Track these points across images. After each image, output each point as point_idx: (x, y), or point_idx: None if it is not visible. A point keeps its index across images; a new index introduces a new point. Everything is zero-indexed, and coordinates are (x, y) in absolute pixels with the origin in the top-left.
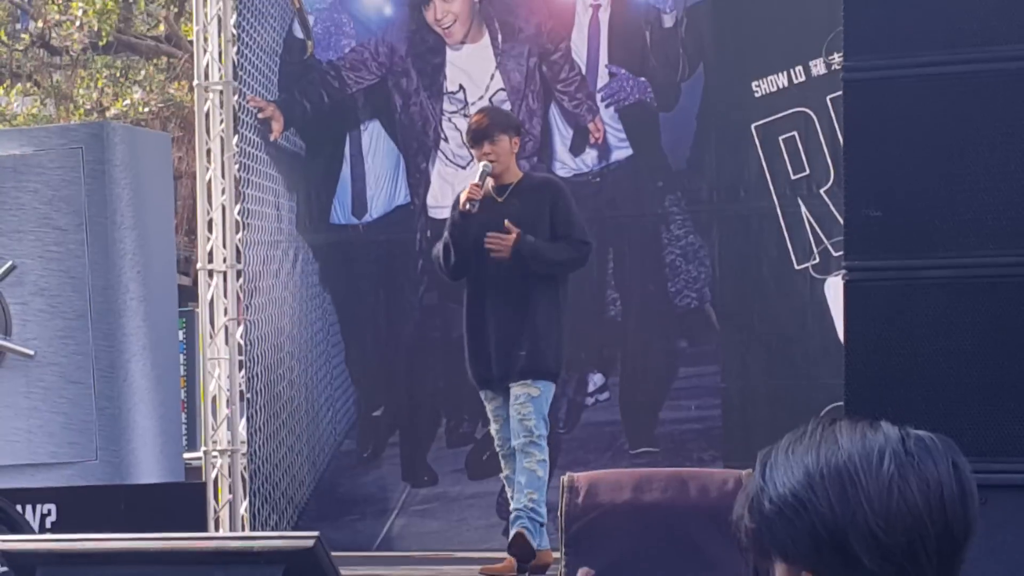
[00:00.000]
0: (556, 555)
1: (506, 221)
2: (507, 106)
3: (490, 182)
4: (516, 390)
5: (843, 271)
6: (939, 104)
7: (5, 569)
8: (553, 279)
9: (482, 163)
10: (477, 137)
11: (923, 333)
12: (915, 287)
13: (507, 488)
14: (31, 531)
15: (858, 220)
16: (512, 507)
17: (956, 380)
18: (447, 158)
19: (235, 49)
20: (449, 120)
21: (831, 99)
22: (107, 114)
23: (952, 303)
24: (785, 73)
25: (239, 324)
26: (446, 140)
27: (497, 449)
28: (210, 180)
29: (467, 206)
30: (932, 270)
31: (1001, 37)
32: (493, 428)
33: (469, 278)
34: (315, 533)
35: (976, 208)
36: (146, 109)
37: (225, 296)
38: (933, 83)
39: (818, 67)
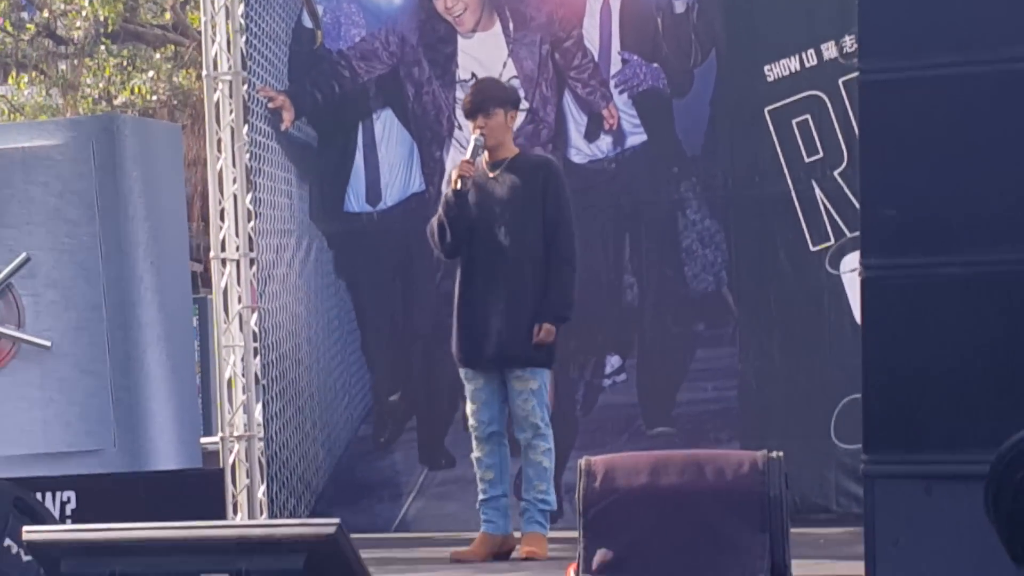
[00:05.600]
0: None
1: (536, 331)
2: (521, 93)
3: (485, 157)
4: (516, 385)
5: (858, 254)
6: (954, 104)
7: (30, 559)
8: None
9: (474, 137)
10: (471, 110)
11: (940, 329)
12: (931, 284)
13: (476, 468)
14: (53, 521)
15: (874, 218)
16: (522, 499)
17: (973, 376)
18: (461, 146)
19: (243, 39)
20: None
21: (843, 82)
22: (115, 103)
23: (968, 300)
24: (797, 57)
25: (253, 312)
26: (460, 128)
27: (471, 430)
28: (221, 170)
29: (458, 184)
30: (948, 267)
31: (1015, 38)
32: (469, 408)
33: (463, 257)
34: (336, 520)
35: (992, 206)
36: (154, 98)
37: (239, 284)
38: (948, 84)
39: (830, 50)
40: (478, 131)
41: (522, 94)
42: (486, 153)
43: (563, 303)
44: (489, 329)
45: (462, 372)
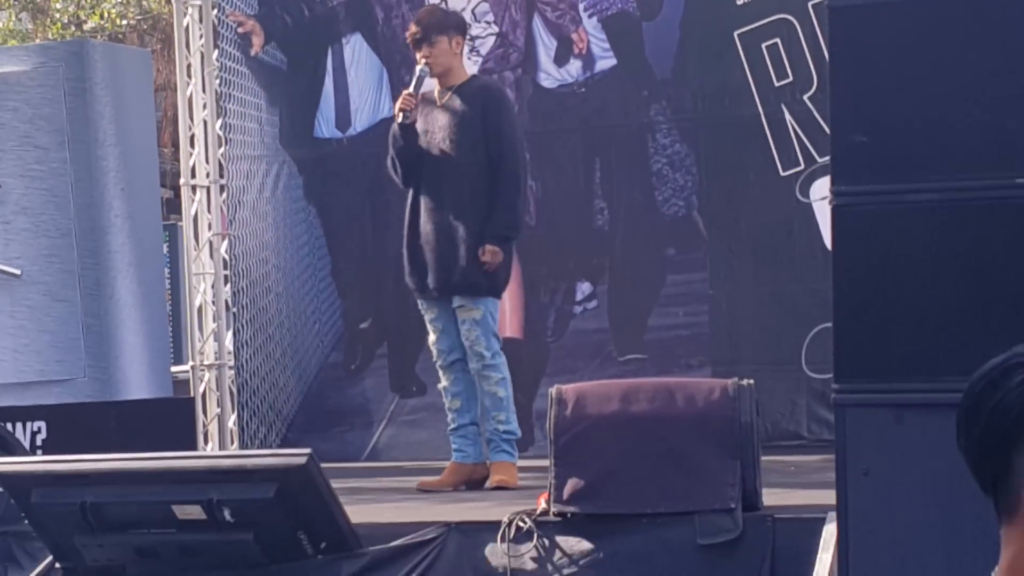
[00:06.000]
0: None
1: (480, 254)
2: (490, 17)
3: (437, 84)
4: (459, 314)
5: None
6: (924, 28)
7: (1, 491)
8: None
9: (418, 67)
10: (416, 42)
11: (910, 256)
12: (902, 211)
13: (444, 398)
14: (24, 451)
15: (845, 145)
16: (485, 430)
17: (942, 302)
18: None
19: None
20: None
21: (812, 5)
22: (84, 28)
23: (939, 226)
24: None
25: (223, 239)
26: None
27: (434, 360)
28: (191, 95)
29: (399, 117)
30: (919, 194)
31: None
32: (430, 339)
33: (413, 187)
34: (307, 450)
35: (962, 132)
36: (124, 22)
37: (209, 211)
38: (916, 8)
39: None
40: (423, 61)
41: (491, 18)
42: (437, 80)
43: (506, 223)
44: (432, 257)
45: (419, 302)
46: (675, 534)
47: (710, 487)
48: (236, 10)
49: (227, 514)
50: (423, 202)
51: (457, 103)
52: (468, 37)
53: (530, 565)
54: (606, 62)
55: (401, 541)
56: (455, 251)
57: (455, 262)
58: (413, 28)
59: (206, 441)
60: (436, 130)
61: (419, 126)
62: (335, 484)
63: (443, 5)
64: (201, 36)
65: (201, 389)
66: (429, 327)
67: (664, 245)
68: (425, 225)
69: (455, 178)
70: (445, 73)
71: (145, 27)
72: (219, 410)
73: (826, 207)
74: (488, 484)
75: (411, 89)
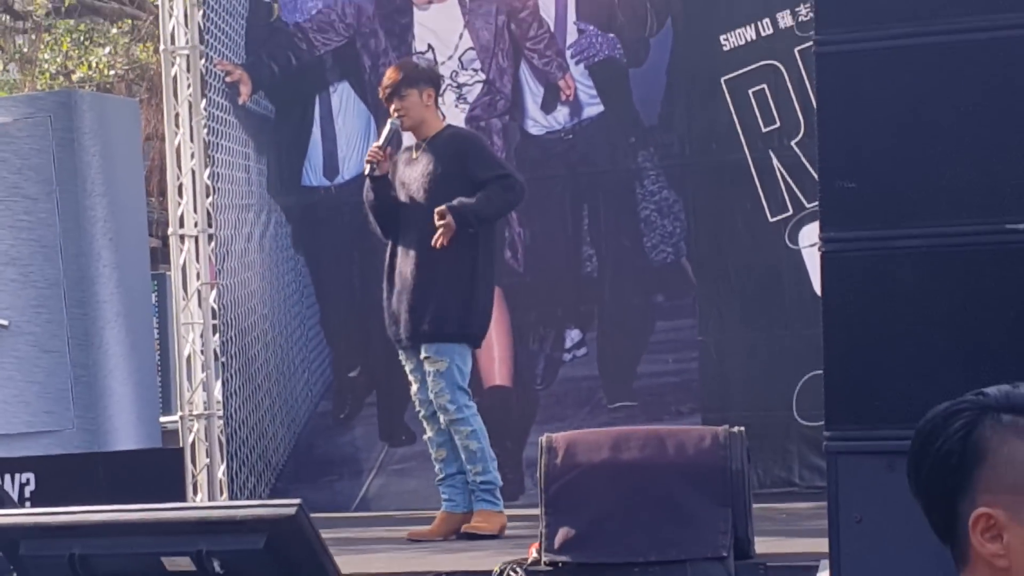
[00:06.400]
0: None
1: (436, 211)
2: (477, 64)
3: (412, 139)
4: (426, 366)
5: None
6: (911, 75)
7: None
8: (469, 234)
9: (390, 120)
10: (388, 96)
11: (900, 302)
12: (891, 257)
13: (430, 448)
14: (12, 503)
15: (833, 191)
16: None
17: (932, 349)
18: None
19: (200, 13)
20: None
21: (799, 51)
22: (72, 78)
23: (928, 273)
24: (753, 26)
25: (212, 288)
26: None
27: (417, 411)
28: (179, 145)
29: (367, 168)
30: (908, 239)
31: (971, 8)
32: (412, 389)
33: (391, 238)
34: (297, 501)
35: (950, 178)
36: (112, 72)
37: (197, 260)
38: (904, 55)
39: (785, 19)
40: (395, 114)
41: (479, 66)
42: (412, 133)
43: (477, 209)
44: (405, 307)
45: (398, 353)
46: None
47: (702, 535)
48: (224, 59)
49: (216, 565)
50: (399, 252)
51: (431, 154)
52: (455, 85)
53: None
54: (593, 109)
55: None
56: (427, 300)
57: (426, 311)
58: (384, 82)
59: (195, 492)
60: (411, 181)
61: (397, 178)
62: (325, 534)
63: (428, 54)
64: (189, 86)
65: (190, 439)
66: (410, 377)
67: (653, 292)
68: (400, 276)
69: (430, 228)
70: (418, 126)
71: (133, 77)
72: (208, 460)
73: (815, 253)
74: (462, 529)
75: (380, 142)
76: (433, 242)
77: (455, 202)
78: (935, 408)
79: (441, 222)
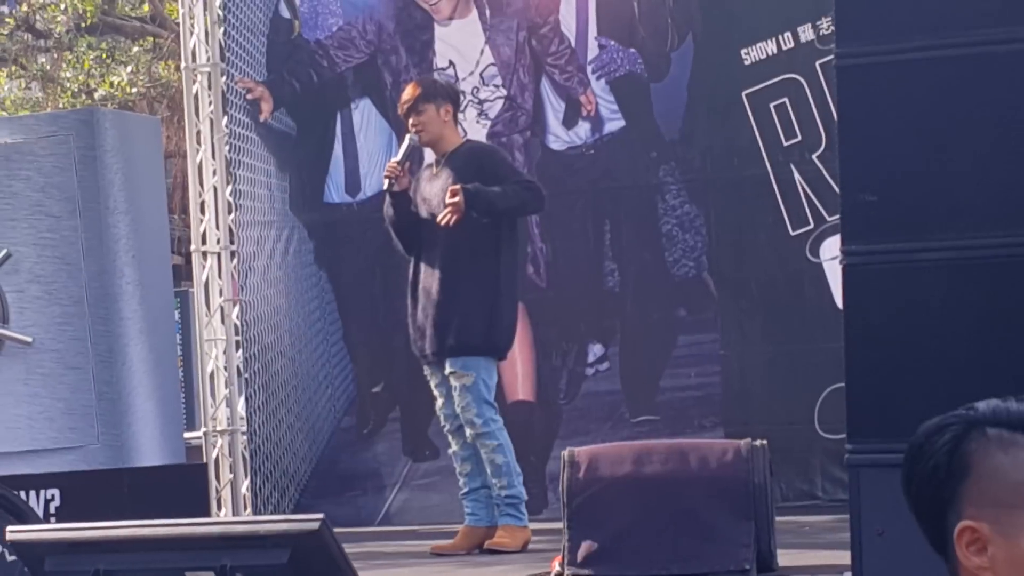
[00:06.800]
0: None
1: (450, 188)
2: (498, 80)
3: (433, 155)
4: (452, 380)
5: (838, 240)
6: (931, 88)
7: (14, 559)
8: (492, 247)
9: (408, 136)
10: (405, 112)
11: (921, 315)
12: (912, 270)
13: (454, 463)
14: (37, 519)
15: (854, 204)
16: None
17: (955, 362)
18: None
19: (221, 30)
20: None
21: (820, 64)
22: (94, 96)
23: (950, 285)
24: (774, 40)
25: (235, 305)
26: None
27: (442, 426)
28: (201, 162)
29: (384, 184)
30: (929, 252)
31: (990, 20)
32: (437, 404)
33: (414, 254)
34: (320, 515)
35: (971, 190)
36: (133, 90)
37: (220, 277)
38: (925, 67)
39: (806, 33)
40: (413, 130)
41: (500, 82)
42: (432, 149)
43: (491, 198)
44: (430, 323)
45: (424, 368)
46: None
47: (724, 549)
48: (245, 76)
49: None
50: (423, 268)
51: (450, 170)
52: (476, 101)
53: None
54: (614, 124)
55: None
56: (451, 314)
57: (450, 325)
58: (403, 97)
59: (219, 507)
60: (432, 197)
61: (418, 195)
62: (348, 549)
63: (449, 70)
64: (210, 103)
65: (214, 455)
66: (435, 392)
67: (675, 306)
68: (424, 291)
69: (452, 243)
70: (436, 141)
71: (154, 95)
72: (232, 476)
73: (836, 266)
74: (485, 545)
75: (398, 157)
76: (439, 219)
77: (471, 185)
78: (926, 423)
79: (451, 200)
